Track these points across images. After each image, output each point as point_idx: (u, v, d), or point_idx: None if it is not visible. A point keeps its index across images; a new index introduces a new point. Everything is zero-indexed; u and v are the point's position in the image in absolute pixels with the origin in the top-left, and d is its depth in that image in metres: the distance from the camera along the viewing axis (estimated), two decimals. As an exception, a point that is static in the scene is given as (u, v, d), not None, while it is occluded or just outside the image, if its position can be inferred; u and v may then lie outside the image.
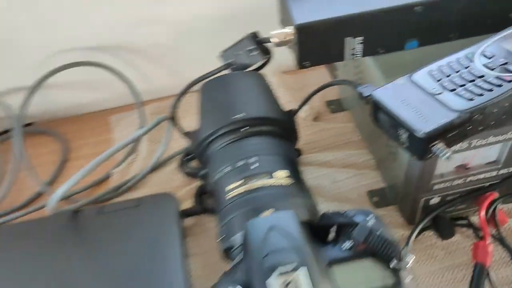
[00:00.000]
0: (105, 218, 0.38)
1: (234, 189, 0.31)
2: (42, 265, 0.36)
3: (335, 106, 0.50)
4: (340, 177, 0.42)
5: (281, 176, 0.31)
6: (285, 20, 0.36)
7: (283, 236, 0.26)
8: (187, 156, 0.44)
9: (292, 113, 0.35)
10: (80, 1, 0.43)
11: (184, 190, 0.42)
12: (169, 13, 0.45)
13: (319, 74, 0.51)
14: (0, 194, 0.42)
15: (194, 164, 0.44)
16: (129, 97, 0.49)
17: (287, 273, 0.24)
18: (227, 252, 0.30)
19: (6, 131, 0.48)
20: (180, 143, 0.45)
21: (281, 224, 0.27)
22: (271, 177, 0.31)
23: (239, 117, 0.32)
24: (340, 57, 0.35)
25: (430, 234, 0.38)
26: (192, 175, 0.43)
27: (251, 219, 0.27)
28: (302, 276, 0.24)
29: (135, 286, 0.34)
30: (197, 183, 0.42)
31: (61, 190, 0.37)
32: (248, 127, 0.32)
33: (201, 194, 0.41)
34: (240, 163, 0.31)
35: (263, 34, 0.36)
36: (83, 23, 0.45)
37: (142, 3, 0.44)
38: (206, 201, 0.41)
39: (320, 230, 0.29)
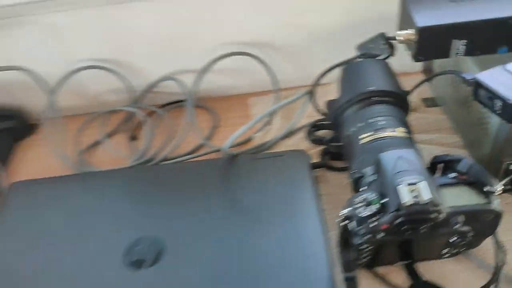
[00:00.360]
0: (256, 163, 0.52)
1: (365, 137, 0.43)
2: (206, 196, 0.49)
3: (429, 102, 0.62)
4: (435, 152, 0.53)
5: (401, 131, 0.43)
6: (405, 24, 0.49)
7: (407, 163, 0.38)
8: (313, 128, 0.57)
9: (407, 93, 0.48)
10: (242, 8, 0.59)
11: (309, 152, 0.55)
12: (308, 20, 0.59)
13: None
14: (174, 144, 0.58)
15: (318, 134, 0.57)
16: (266, 84, 0.64)
17: (412, 184, 0.36)
18: (357, 181, 0.42)
19: (176, 102, 0.65)
20: (305, 121, 0.59)
21: (405, 155, 0.39)
22: (394, 131, 0.43)
23: (371, 89, 0.45)
24: (446, 55, 0.47)
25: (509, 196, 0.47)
26: (316, 142, 0.56)
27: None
28: (423, 186, 0.36)
29: (276, 220, 0.46)
30: (319, 148, 0.55)
31: (231, 138, 0.51)
32: (377, 97, 0.45)
33: (325, 154, 0.54)
34: (371, 120, 0.44)
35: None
36: (241, 23, 0.60)
37: (290, 11, 0.58)
38: (328, 159, 0.54)
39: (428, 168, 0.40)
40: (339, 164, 0.53)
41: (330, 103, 0.49)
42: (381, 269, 0.43)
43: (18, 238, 0.48)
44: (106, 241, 0.46)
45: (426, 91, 0.62)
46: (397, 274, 0.43)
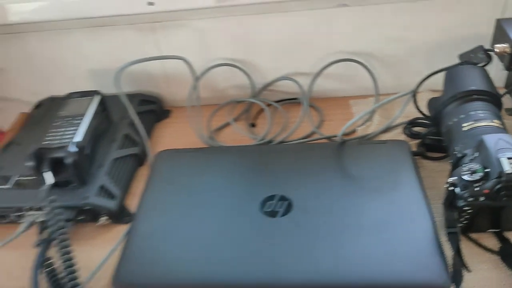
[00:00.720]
0: (363, 148, 0.62)
1: (467, 126, 0.53)
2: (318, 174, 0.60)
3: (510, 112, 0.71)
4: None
5: (497, 123, 0.53)
6: (500, 39, 0.58)
7: (506, 143, 0.48)
8: (409, 124, 0.67)
9: (500, 94, 0.57)
10: (352, 22, 0.70)
11: (407, 144, 0.65)
12: (409, 35, 0.70)
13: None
14: (290, 131, 0.70)
15: (414, 129, 0.66)
16: (366, 89, 0.75)
17: (511, 158, 0.45)
18: (458, 161, 0.52)
19: (288, 99, 0.77)
20: (400, 120, 0.69)
21: (504, 138, 0.48)
22: (492, 122, 0.52)
23: (471, 88, 0.55)
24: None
25: None
26: (413, 136, 0.66)
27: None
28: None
29: (384, 188, 0.55)
30: (415, 142, 0.65)
31: (344, 127, 0.62)
32: (476, 95, 0.55)
33: (421, 146, 0.63)
34: (472, 112, 0.54)
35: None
36: (350, 35, 0.72)
37: (393, 27, 0.69)
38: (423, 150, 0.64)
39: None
40: (433, 155, 0.63)
41: (432, 101, 0.59)
42: (474, 235, 0.52)
43: (167, 194, 0.60)
44: (245, 197, 0.57)
45: (508, 102, 0.72)
46: (487, 240, 0.52)
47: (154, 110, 0.77)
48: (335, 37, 0.72)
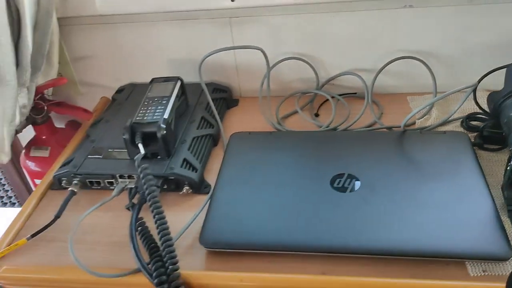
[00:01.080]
0: (423, 137, 0.68)
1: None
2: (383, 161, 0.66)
3: None
4: None
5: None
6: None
7: None
8: (467, 118, 0.71)
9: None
10: (414, 23, 0.76)
11: (464, 137, 0.70)
12: (469, 36, 0.75)
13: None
14: (353, 120, 0.76)
15: (472, 123, 0.71)
16: (423, 86, 0.80)
17: None
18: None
19: (348, 93, 0.83)
20: (457, 115, 0.73)
21: None
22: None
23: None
24: None
25: None
26: (470, 129, 0.70)
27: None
28: None
29: (446, 182, 0.59)
30: (474, 134, 0.69)
31: (407, 117, 0.68)
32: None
33: (479, 138, 0.68)
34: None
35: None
36: (412, 34, 0.77)
37: (455, 28, 0.74)
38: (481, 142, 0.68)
39: None
40: (490, 146, 0.67)
41: (492, 94, 0.64)
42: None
43: (242, 169, 0.66)
44: (315, 174, 0.63)
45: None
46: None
47: (225, 98, 0.84)
48: (398, 36, 0.78)
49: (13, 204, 1.62)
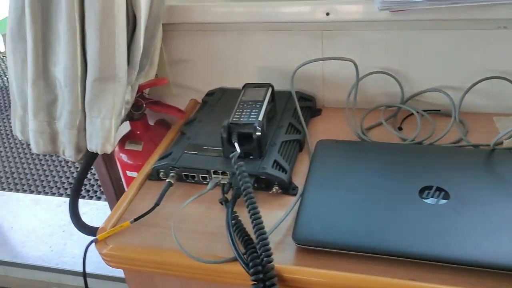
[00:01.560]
0: (513, 157, 0.68)
1: None
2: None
3: None
4: None
5: None
6: None
7: None
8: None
9: None
10: (510, 44, 0.77)
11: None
12: None
13: None
14: (441, 135, 0.77)
15: None
16: (510, 108, 0.80)
17: None
18: None
19: (432, 110, 0.84)
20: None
21: None
22: None
23: None
24: None
25: None
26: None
27: None
28: None
29: None
30: None
31: (497, 137, 0.68)
32: None
33: None
34: None
35: None
36: (505, 55, 0.78)
37: None
38: None
39: None
40: None
41: None
42: None
43: (330, 174, 0.69)
44: (403, 184, 0.65)
45: None
46: None
47: (310, 106, 0.87)
48: (488, 56, 0.79)
49: (98, 198, 1.75)
